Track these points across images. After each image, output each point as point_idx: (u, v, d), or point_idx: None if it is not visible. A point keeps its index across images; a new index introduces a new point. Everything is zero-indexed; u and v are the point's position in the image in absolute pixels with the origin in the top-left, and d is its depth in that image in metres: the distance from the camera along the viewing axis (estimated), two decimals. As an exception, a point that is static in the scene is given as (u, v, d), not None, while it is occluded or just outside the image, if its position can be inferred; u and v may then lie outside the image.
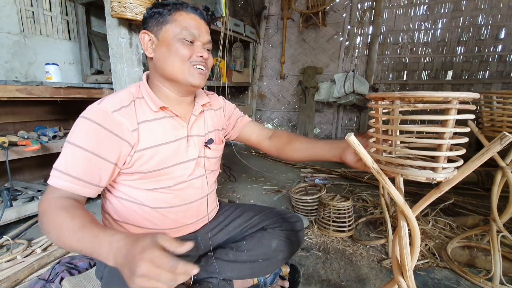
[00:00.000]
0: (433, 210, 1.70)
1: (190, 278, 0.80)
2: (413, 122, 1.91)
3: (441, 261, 1.29)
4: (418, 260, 1.28)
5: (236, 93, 4.47)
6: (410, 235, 0.60)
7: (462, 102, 0.48)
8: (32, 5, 2.09)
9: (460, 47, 3.24)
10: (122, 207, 0.80)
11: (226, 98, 1.07)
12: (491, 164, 0.99)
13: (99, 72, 2.40)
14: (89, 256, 0.59)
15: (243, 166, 2.88)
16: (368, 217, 1.74)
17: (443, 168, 0.51)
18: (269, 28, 4.16)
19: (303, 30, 3.89)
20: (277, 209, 1.06)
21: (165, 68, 0.77)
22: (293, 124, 4.22)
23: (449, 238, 1.43)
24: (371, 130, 0.59)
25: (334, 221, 1.54)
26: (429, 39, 3.37)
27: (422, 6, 3.36)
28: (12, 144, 1.51)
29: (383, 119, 0.56)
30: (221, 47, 2.60)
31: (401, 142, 0.54)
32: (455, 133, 0.50)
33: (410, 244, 0.61)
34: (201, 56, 0.78)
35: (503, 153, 0.96)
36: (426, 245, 1.39)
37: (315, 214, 1.73)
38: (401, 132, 0.55)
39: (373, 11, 3.53)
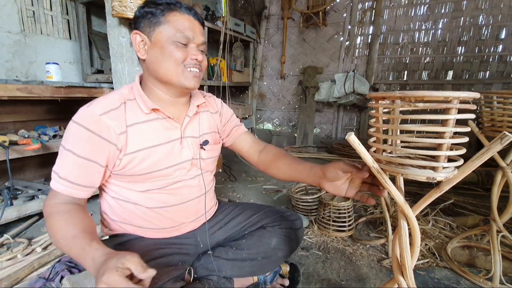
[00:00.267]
0: (433, 210, 1.70)
1: (190, 276, 0.80)
2: (413, 121, 1.91)
3: (441, 261, 1.29)
4: (418, 259, 1.28)
5: (236, 92, 4.47)
6: (410, 234, 0.60)
7: (463, 101, 0.48)
8: (32, 4, 2.09)
9: (460, 47, 3.24)
10: (119, 207, 0.80)
11: (226, 98, 1.06)
12: (491, 164, 1.00)
13: (100, 72, 2.40)
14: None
15: (243, 166, 2.88)
16: (368, 216, 1.75)
17: (444, 168, 0.51)
18: (270, 28, 4.16)
19: (303, 30, 3.89)
20: (276, 207, 1.06)
21: (159, 70, 0.76)
22: (293, 124, 4.22)
23: (449, 238, 1.43)
24: (372, 129, 0.59)
25: (334, 221, 1.54)
26: (430, 39, 3.37)
27: (422, 6, 3.35)
28: (13, 143, 1.51)
29: (383, 118, 0.56)
30: (221, 46, 2.60)
31: (402, 142, 0.54)
32: (455, 133, 0.50)
33: (410, 243, 0.61)
34: (196, 59, 0.77)
35: (503, 153, 0.97)
36: (426, 244, 1.39)
37: (315, 213, 1.73)
38: (402, 132, 0.55)
39: (373, 11, 3.52)
